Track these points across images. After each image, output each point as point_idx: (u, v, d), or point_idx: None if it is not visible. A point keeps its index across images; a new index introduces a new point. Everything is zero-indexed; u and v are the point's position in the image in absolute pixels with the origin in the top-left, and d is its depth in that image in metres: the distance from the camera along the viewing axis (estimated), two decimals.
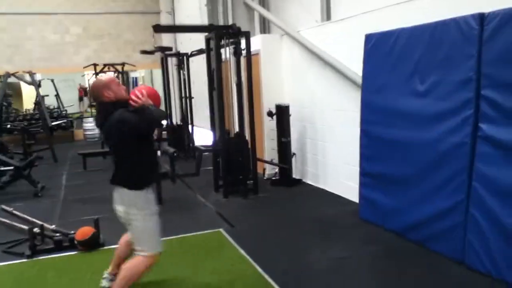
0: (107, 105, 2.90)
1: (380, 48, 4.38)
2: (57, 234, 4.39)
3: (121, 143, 2.90)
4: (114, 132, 2.87)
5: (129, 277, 2.93)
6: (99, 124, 3.02)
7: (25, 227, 4.63)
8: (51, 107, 15.86)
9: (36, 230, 4.36)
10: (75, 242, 4.26)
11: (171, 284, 3.50)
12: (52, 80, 15.83)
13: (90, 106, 20.79)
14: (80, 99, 22.11)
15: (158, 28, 6.46)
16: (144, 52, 9.29)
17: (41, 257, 4.14)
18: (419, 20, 4.00)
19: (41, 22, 13.28)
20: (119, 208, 2.99)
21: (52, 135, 11.09)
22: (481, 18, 3.31)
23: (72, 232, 4.36)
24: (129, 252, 3.21)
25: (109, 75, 3.03)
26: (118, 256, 3.37)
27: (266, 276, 3.52)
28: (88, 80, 21.09)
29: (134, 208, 2.91)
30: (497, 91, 3.22)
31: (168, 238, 4.47)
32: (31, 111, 15.18)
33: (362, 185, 4.79)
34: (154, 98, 3.08)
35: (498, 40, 3.19)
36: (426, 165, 3.85)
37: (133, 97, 2.92)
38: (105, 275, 3.39)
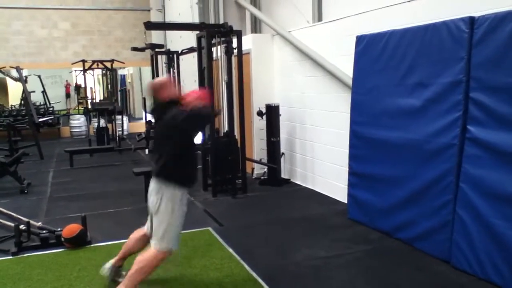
0: (163, 104, 3.11)
1: (371, 50, 4.41)
2: (44, 231, 4.33)
3: (169, 138, 3.04)
4: (168, 129, 3.04)
5: (143, 270, 2.98)
6: (155, 118, 3.32)
7: (11, 223, 4.57)
8: (38, 103, 15.65)
9: (22, 227, 4.29)
10: (62, 239, 4.21)
11: (159, 282, 3.47)
12: (39, 76, 15.62)
13: (78, 103, 20.56)
14: (67, 95, 21.83)
15: (150, 25, 6.43)
16: (135, 49, 9.23)
17: (26, 254, 4.07)
18: (410, 23, 4.05)
19: (28, 16, 13.05)
20: (151, 198, 3.05)
21: (38, 131, 10.95)
22: (472, 21, 3.35)
23: (59, 229, 4.31)
24: (141, 247, 3.30)
25: (164, 77, 3.49)
26: (128, 250, 3.37)
27: (254, 275, 3.53)
28: (76, 76, 20.76)
29: (166, 199, 2.97)
30: (485, 94, 3.27)
31: None
32: (17, 107, 14.97)
33: (350, 185, 4.81)
34: (203, 97, 3.22)
35: (488, 44, 3.24)
36: (414, 165, 3.89)
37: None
38: (108, 265, 3.37)
